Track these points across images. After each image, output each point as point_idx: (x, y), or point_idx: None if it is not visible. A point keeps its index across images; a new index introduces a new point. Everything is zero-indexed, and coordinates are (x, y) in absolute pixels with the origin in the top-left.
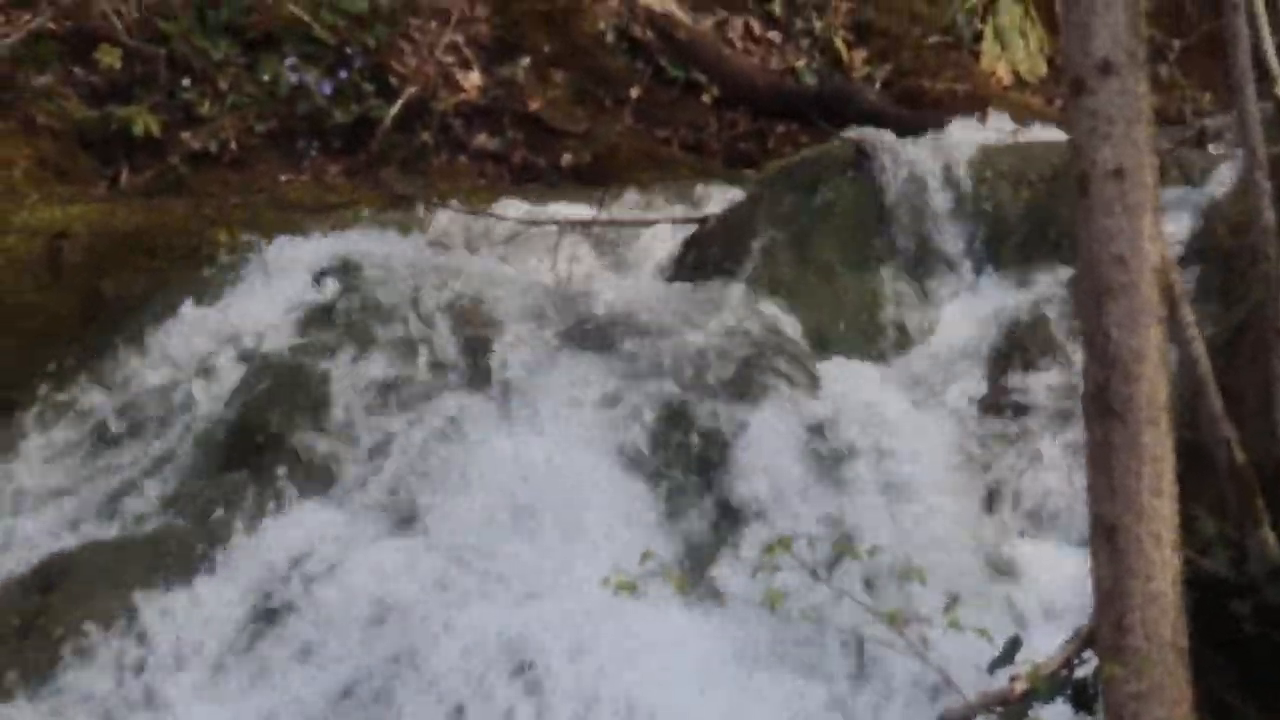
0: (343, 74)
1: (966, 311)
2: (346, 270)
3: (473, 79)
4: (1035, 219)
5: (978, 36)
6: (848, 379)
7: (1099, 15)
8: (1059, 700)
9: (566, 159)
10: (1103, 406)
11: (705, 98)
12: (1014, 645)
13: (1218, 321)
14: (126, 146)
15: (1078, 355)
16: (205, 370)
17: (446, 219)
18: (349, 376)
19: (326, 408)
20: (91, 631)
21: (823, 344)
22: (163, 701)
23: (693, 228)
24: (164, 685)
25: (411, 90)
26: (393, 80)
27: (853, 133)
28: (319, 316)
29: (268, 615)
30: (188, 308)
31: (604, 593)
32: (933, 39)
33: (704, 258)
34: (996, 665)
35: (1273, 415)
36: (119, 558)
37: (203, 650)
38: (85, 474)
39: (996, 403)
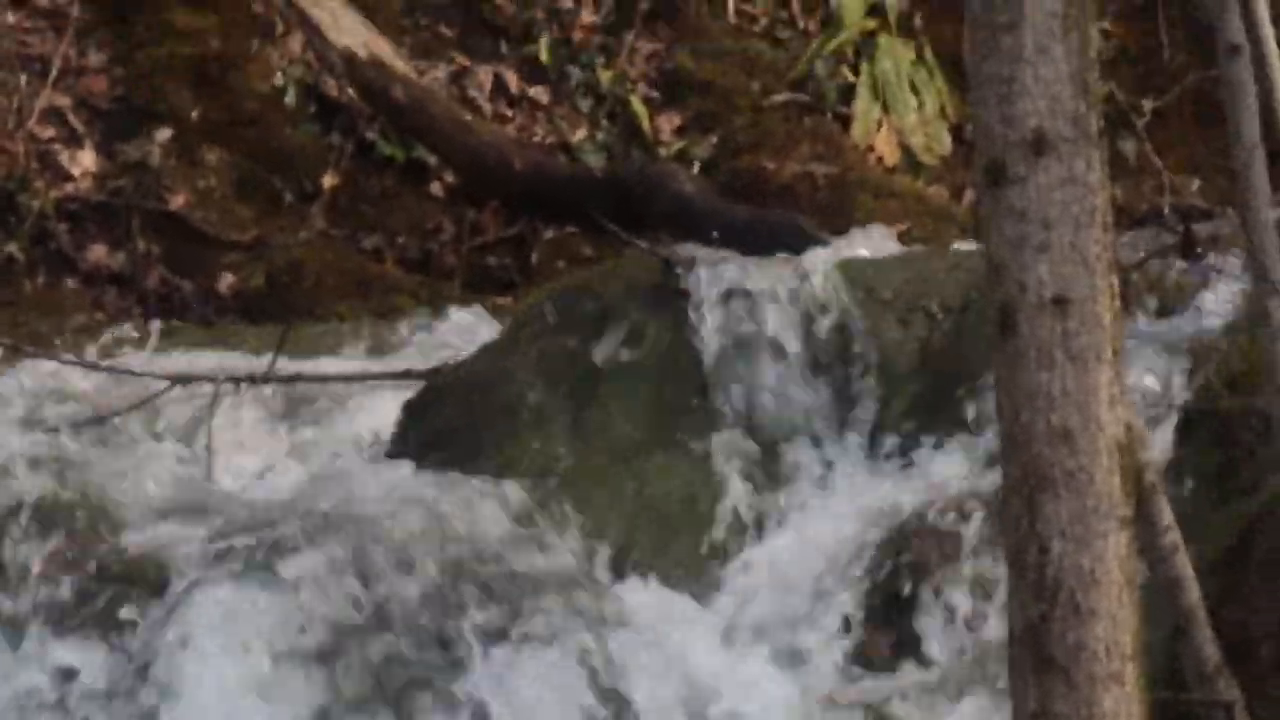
0: None
1: (831, 512)
2: None
3: (84, 161)
4: (936, 370)
5: (847, 93)
6: (655, 620)
7: (1028, 64)
8: None
9: (227, 282)
10: (1039, 657)
11: (436, 188)
12: None
13: (1213, 526)
14: None
15: (1001, 578)
16: None
17: (45, 377)
18: None
19: None
20: None
21: (617, 565)
22: None
23: (419, 386)
24: None
25: None
26: None
27: (660, 243)
28: None
29: None
30: None
31: None
32: (779, 97)
33: (436, 432)
34: None
35: None
36: None
37: None
38: None
39: (880, 651)
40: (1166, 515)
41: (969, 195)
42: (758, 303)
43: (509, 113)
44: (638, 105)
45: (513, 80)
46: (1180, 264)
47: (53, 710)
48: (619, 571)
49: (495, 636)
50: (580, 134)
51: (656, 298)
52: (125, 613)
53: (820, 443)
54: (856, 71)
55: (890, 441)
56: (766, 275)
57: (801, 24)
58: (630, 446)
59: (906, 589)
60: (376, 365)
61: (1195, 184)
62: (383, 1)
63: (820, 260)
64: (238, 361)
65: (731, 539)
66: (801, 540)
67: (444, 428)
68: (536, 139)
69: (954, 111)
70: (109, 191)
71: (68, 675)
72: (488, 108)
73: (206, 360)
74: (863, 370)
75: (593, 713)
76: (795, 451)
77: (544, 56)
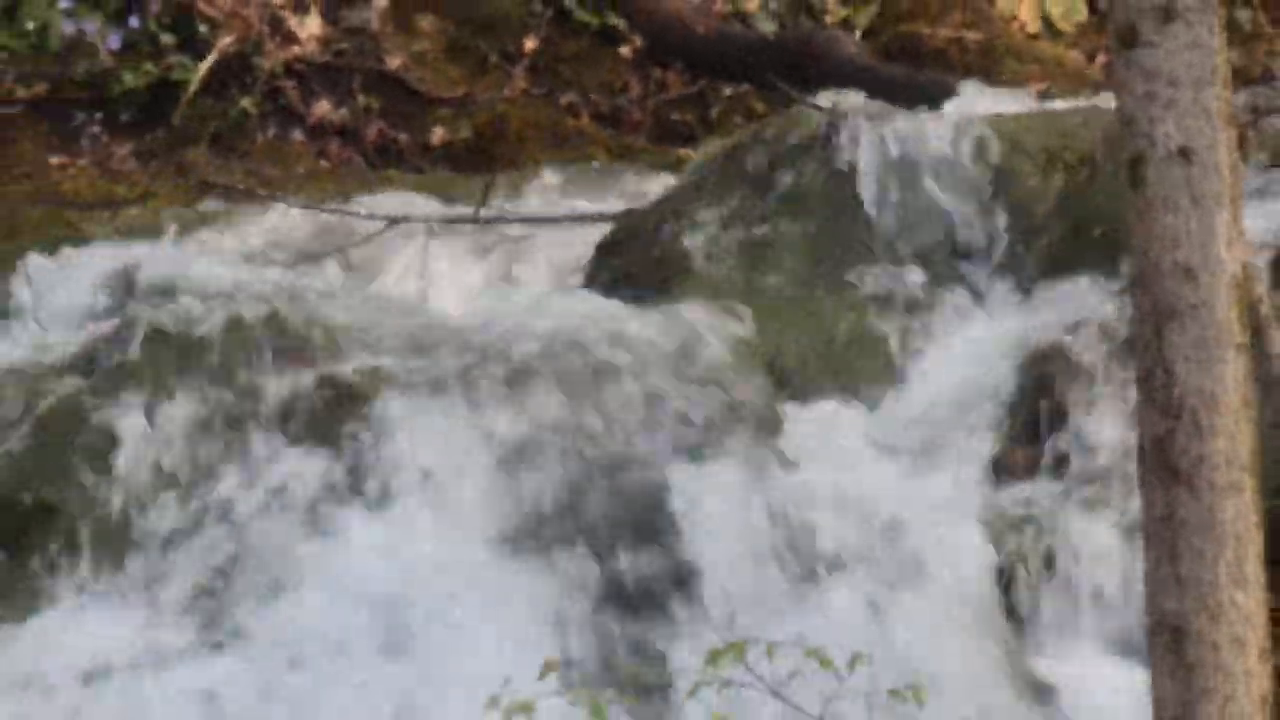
0: (134, 21)
1: (979, 339)
2: (141, 289)
3: (310, 26)
4: (1072, 215)
5: None
6: (821, 432)
7: None
8: None
9: (438, 134)
10: (1165, 468)
11: (625, 51)
12: None
13: None
14: None
15: (1131, 399)
16: None
17: (275, 218)
18: (144, 433)
19: (114, 474)
20: None
21: (787, 385)
22: None
23: (609, 228)
24: None
25: (227, 42)
26: (202, 29)
27: (825, 99)
28: (104, 352)
29: None
30: None
31: (491, 718)
32: None
33: (625, 268)
34: None
35: None
36: None
37: None
38: None
39: (1020, 464)
40: (1278, 345)
41: (1102, 58)
42: (913, 150)
43: None
44: None
45: None
46: None
47: (280, 507)
48: (790, 392)
49: (675, 453)
50: (754, 3)
51: (822, 147)
52: (346, 428)
53: (968, 280)
54: None
55: (1030, 277)
56: (921, 125)
57: None
58: (799, 282)
59: (1045, 409)
60: (570, 209)
61: None
62: None
63: (969, 114)
64: (446, 206)
65: (890, 363)
66: (952, 366)
67: (630, 265)
68: (716, 7)
69: None
70: (333, 53)
71: (295, 478)
72: None
73: (419, 204)
74: (1007, 214)
75: (768, 518)
76: (946, 288)
77: None
